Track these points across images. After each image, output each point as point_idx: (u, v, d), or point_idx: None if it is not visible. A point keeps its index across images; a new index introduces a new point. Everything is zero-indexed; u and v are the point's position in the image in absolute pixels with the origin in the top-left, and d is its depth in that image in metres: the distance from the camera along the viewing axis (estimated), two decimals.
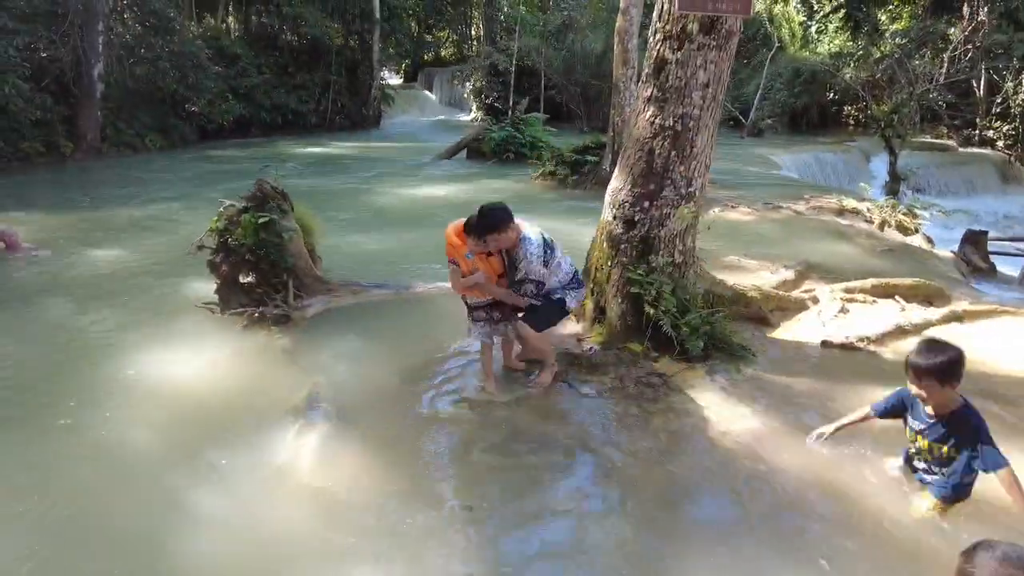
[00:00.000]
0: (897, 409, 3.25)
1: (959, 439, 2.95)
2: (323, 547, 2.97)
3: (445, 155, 16.07)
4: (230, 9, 24.13)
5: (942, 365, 2.86)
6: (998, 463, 2.84)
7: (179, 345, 5.04)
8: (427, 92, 31.06)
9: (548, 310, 4.15)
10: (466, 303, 4.33)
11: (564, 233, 8.55)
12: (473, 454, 3.59)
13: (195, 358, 4.81)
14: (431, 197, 11.47)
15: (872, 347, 4.88)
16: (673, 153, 4.53)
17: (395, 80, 30.89)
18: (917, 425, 3.11)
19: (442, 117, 27.97)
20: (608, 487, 3.37)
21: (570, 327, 4.99)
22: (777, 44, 23.90)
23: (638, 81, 11.52)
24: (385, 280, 6.31)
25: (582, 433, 3.81)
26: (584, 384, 4.28)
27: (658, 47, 4.51)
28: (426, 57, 34.16)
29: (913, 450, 3.20)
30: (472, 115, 26.58)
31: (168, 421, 3.99)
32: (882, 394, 3.42)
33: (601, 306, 4.82)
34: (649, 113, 4.57)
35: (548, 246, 3.99)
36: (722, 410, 4.01)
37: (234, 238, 5.41)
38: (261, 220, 5.37)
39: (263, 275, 5.61)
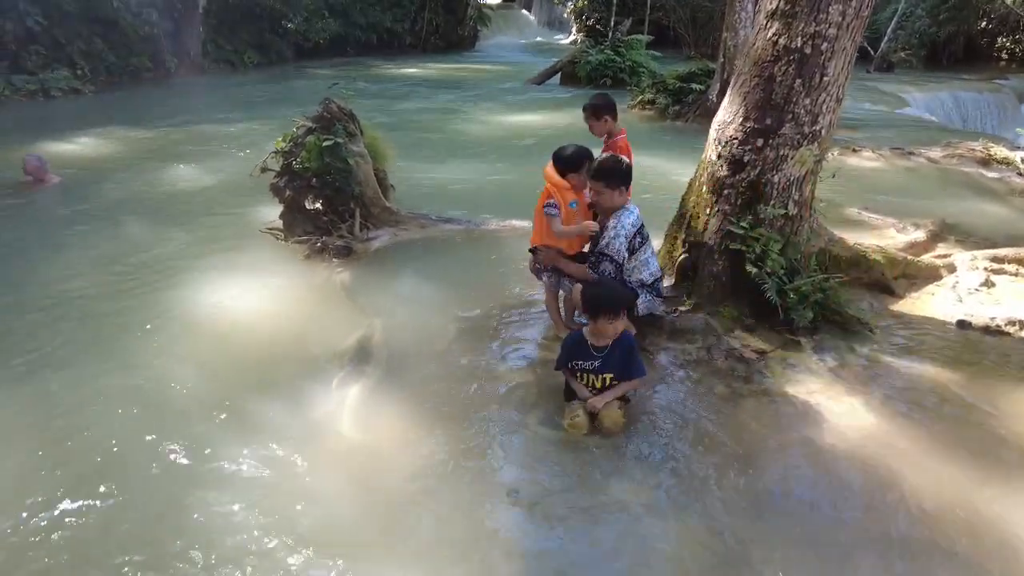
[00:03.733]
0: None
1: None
2: (352, 514, 2.67)
3: (536, 80, 15.20)
4: None
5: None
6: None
7: (239, 273, 4.85)
8: (525, 12, 29.68)
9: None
10: (532, 250, 3.82)
11: (659, 172, 7.79)
12: (527, 425, 3.16)
13: (252, 289, 4.60)
14: (516, 124, 10.82)
15: None
16: (798, 81, 3.72)
17: None
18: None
19: (540, 39, 26.72)
20: (677, 483, 2.85)
21: None
22: None
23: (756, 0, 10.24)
24: (457, 214, 5.87)
25: (653, 412, 3.29)
26: (663, 351, 3.72)
27: None
28: None
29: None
30: (572, 37, 25.18)
31: (215, 359, 3.79)
32: None
33: (693, 261, 4.17)
34: (772, 31, 3.75)
35: (642, 234, 3.52)
36: (829, 399, 3.36)
37: (298, 161, 5.09)
38: (326, 143, 5.01)
39: (329, 202, 5.31)
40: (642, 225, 3.53)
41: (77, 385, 3.54)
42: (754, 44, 3.88)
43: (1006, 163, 8.48)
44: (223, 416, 3.27)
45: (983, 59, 21.51)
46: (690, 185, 4.38)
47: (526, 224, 5.67)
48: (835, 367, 3.64)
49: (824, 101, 3.78)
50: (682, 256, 4.23)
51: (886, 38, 19.96)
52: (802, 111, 3.77)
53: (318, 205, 5.32)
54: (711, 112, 10.15)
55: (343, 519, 2.66)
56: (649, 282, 3.63)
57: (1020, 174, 8.14)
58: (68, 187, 7.07)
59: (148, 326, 4.14)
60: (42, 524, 2.62)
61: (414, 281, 4.68)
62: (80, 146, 9.12)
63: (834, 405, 3.32)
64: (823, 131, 3.87)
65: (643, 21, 17.51)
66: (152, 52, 15.59)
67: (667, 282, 4.32)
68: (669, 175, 7.62)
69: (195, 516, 2.66)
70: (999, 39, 21.68)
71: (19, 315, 4.30)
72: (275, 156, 5.24)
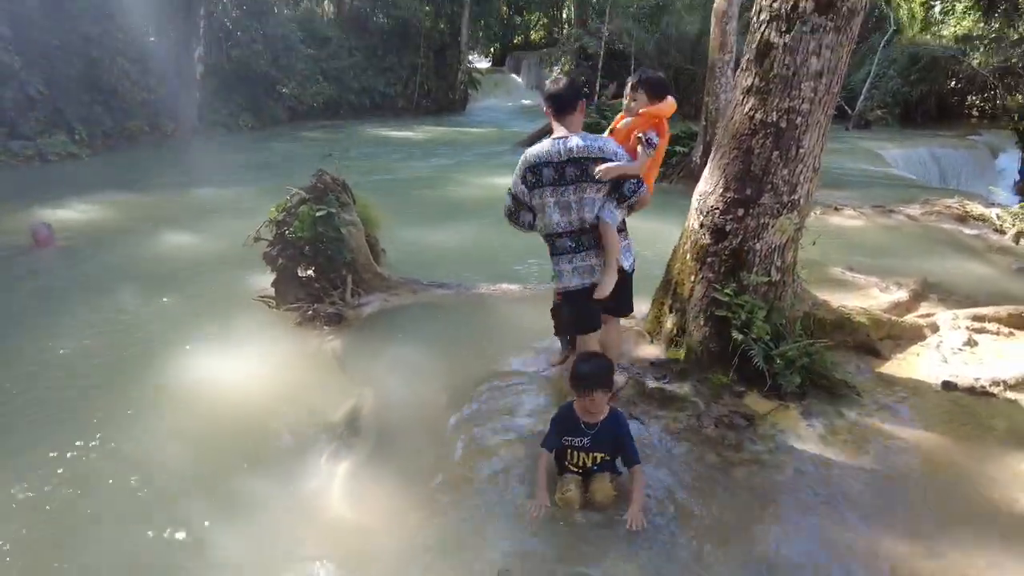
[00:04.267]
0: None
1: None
2: None
3: (526, 142, 15.57)
4: None
5: None
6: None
7: (230, 342, 4.87)
8: (514, 76, 30.62)
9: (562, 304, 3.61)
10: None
11: (647, 231, 7.93)
12: (518, 500, 3.14)
13: (244, 358, 4.62)
14: (506, 187, 11.03)
15: (1010, 394, 4.06)
16: (775, 154, 3.87)
17: (483, 64, 30.67)
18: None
19: (528, 102, 27.44)
20: (672, 557, 2.83)
21: (643, 348, 4.43)
22: (893, 27, 21.80)
23: (736, 68, 10.66)
24: (448, 278, 5.94)
25: (646, 484, 3.27)
26: (654, 420, 3.73)
27: (762, 29, 3.84)
28: (515, 41, 33.68)
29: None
30: None
31: (204, 432, 3.77)
32: None
33: (681, 327, 4.24)
34: (748, 106, 3.92)
35: (532, 169, 3.39)
36: (820, 465, 3.37)
37: (291, 231, 5.18)
38: (319, 213, 5.11)
39: (321, 269, 5.37)
40: (544, 163, 3.31)
41: (61, 461, 3.50)
42: (732, 118, 4.05)
43: (982, 219, 8.71)
44: (211, 493, 3.24)
45: (955, 116, 22.29)
46: (674, 252, 4.48)
47: (515, 287, 5.77)
48: (824, 433, 3.66)
49: (801, 171, 3.92)
50: (669, 322, 4.29)
51: (862, 97, 20.71)
52: (780, 182, 3.91)
53: (310, 272, 5.38)
54: (695, 174, 10.55)
55: None
56: (547, 232, 3.43)
57: (996, 230, 8.36)
58: (63, 253, 7.12)
59: (137, 397, 4.13)
60: None
61: (405, 348, 4.70)
62: (76, 212, 9.23)
63: (825, 472, 3.33)
64: (801, 200, 4.00)
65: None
66: (149, 116, 15.96)
67: (655, 349, 4.38)
68: (656, 236, 7.77)
69: None
70: (969, 97, 22.52)
71: (4, 385, 4.28)
72: (268, 225, 5.34)
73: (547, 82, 3.38)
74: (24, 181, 11.66)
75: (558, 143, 3.25)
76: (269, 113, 19.23)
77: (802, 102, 3.77)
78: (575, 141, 3.25)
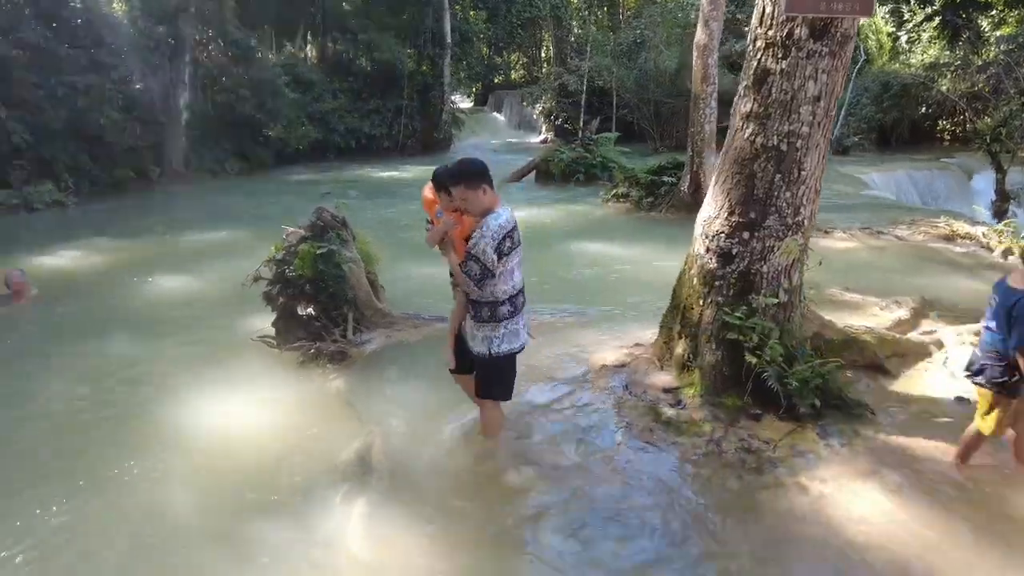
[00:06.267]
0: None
1: None
2: None
3: (512, 178, 15.72)
4: (308, 37, 24.83)
5: None
6: None
7: (232, 385, 4.77)
8: (496, 114, 31.05)
9: (490, 372, 3.52)
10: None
11: (643, 261, 8.00)
12: (540, 536, 3.06)
13: (247, 401, 4.52)
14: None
15: None
16: (778, 177, 3.91)
17: (465, 103, 31.08)
18: None
19: (512, 140, 27.80)
20: None
21: (654, 375, 4.40)
22: (864, 57, 22.50)
23: (718, 98, 10.90)
24: (448, 312, 5.88)
25: (671, 511, 3.22)
26: (673, 447, 3.68)
27: (759, 56, 3.93)
28: (496, 80, 34.25)
29: None
30: (542, 136, 26.31)
31: (209, 479, 3.66)
32: None
33: (692, 352, 4.21)
34: (749, 131, 3.98)
35: (511, 238, 3.27)
36: (842, 487, 3.33)
37: (292, 269, 5.13)
38: (320, 251, 5.07)
39: (322, 307, 5.31)
40: (513, 228, 3.30)
41: (62, 512, 3.37)
42: (733, 144, 4.10)
43: (969, 238, 8.86)
44: (221, 542, 3.13)
45: (928, 140, 22.86)
46: (680, 277, 4.48)
47: None
48: (843, 452, 3.63)
49: (804, 193, 3.96)
50: (679, 347, 4.27)
51: (839, 123, 21.21)
52: (784, 204, 3.95)
53: (311, 311, 5.31)
54: (684, 203, 10.69)
55: None
56: (503, 298, 3.35)
57: (984, 247, 8.50)
58: (53, 300, 7.00)
59: (137, 445, 4.01)
60: None
61: (410, 384, 4.63)
62: (64, 259, 9.12)
63: (848, 492, 3.29)
64: (805, 221, 4.03)
65: (610, 119, 18.45)
66: (136, 163, 15.89)
67: (667, 376, 4.34)
68: (651, 263, 7.82)
69: None
70: (940, 121, 23.13)
71: (1, 435, 4.14)
72: (268, 264, 5.28)
73: (465, 162, 3.37)
74: (9, 230, 11.52)
75: (507, 209, 3.38)
76: (256, 157, 19.24)
77: (801, 125, 3.83)
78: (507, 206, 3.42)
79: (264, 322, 5.46)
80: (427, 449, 3.79)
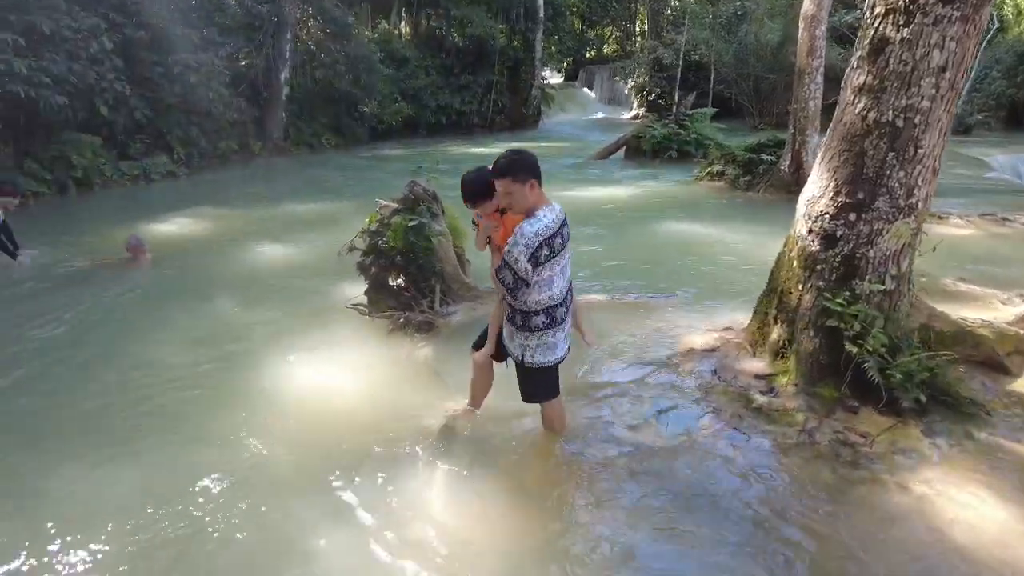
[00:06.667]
0: None
1: None
2: None
3: (601, 155, 15.49)
4: (403, 14, 25.22)
5: None
6: None
7: (325, 348, 4.98)
8: (587, 90, 30.59)
9: (525, 379, 3.31)
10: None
11: (737, 243, 7.71)
12: (619, 513, 3.04)
13: (339, 364, 4.71)
14: (585, 199, 10.96)
15: None
16: (891, 155, 3.64)
17: (556, 79, 30.76)
18: None
19: (601, 115, 27.37)
20: None
21: (745, 361, 4.25)
22: (996, 25, 20.50)
23: (825, 73, 10.24)
24: None
25: (756, 499, 3.11)
26: (762, 436, 3.55)
27: (877, 24, 3.64)
28: (588, 54, 33.67)
29: None
30: (633, 112, 25.73)
31: (302, 435, 3.85)
32: None
33: (787, 338, 4.03)
34: (861, 105, 3.71)
35: (549, 245, 2.92)
36: (950, 488, 3.11)
37: (384, 241, 5.27)
38: (411, 223, 5.19)
39: (412, 279, 5.44)
40: (555, 233, 2.93)
41: (170, 458, 3.65)
42: (842, 119, 3.85)
43: None
44: (312, 495, 3.29)
45: None
46: (779, 260, 4.28)
47: (602, 298, 5.68)
48: (950, 452, 3.39)
49: (920, 173, 3.67)
50: (775, 333, 4.10)
51: (961, 100, 19.50)
52: (896, 184, 3.68)
53: (400, 281, 5.46)
54: (784, 183, 10.20)
55: None
56: (537, 309, 3.06)
57: None
58: (164, 265, 7.52)
59: (236, 401, 4.26)
60: None
61: None
62: (176, 226, 9.76)
63: (956, 495, 3.07)
64: (919, 204, 3.75)
65: (706, 94, 17.76)
66: (239, 137, 16.78)
67: (759, 362, 4.18)
68: (746, 245, 7.53)
69: None
70: None
71: (115, 389, 4.50)
72: (362, 235, 5.46)
73: (516, 153, 3.00)
74: (130, 199, 12.47)
75: (553, 209, 3.01)
76: (351, 132, 19.88)
77: (921, 99, 3.54)
78: (556, 204, 3.07)
79: (357, 290, 5.66)
80: (511, 423, 3.83)
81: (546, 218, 2.92)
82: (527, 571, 2.75)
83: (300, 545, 2.95)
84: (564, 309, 3.14)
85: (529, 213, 2.94)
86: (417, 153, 17.10)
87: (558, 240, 2.95)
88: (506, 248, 2.93)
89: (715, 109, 16.34)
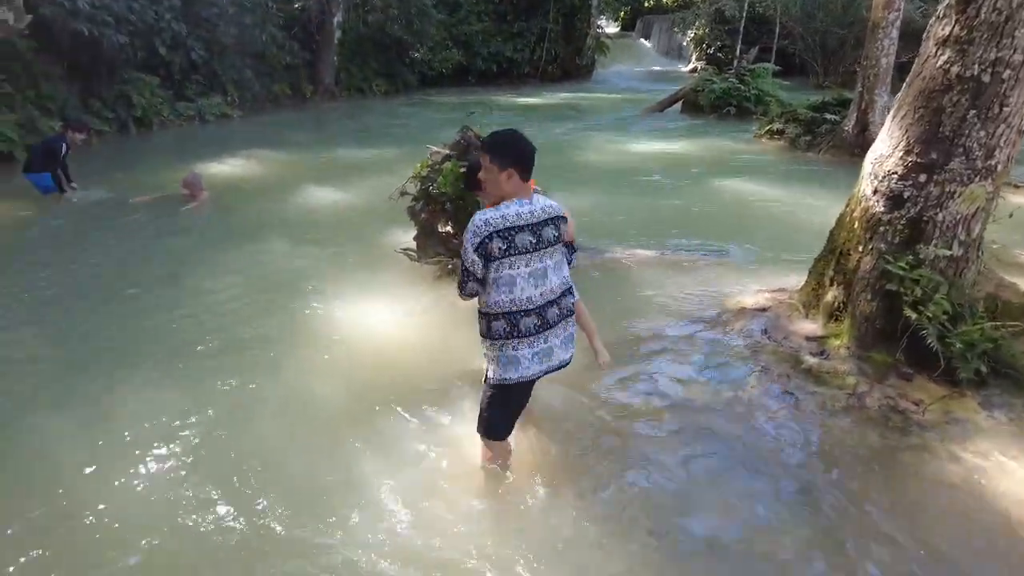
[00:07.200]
0: None
1: None
2: (485, 547, 2.67)
3: (657, 108, 15.07)
4: None
5: None
6: None
7: (375, 291, 5.07)
8: (644, 41, 29.62)
9: (483, 397, 2.82)
10: None
11: (793, 203, 7.47)
12: (662, 465, 3.06)
13: (388, 306, 4.80)
14: (639, 153, 10.74)
15: None
16: (972, 113, 3.44)
17: (612, 28, 29.82)
18: None
19: (657, 68, 26.53)
20: (827, 539, 2.65)
21: (796, 322, 4.17)
22: None
23: (900, 27, 9.64)
24: (580, 241, 5.85)
25: (800, 457, 3.10)
26: (810, 396, 3.50)
27: None
28: (647, 3, 32.46)
29: None
30: (691, 65, 24.86)
31: (352, 374, 3.96)
32: None
33: (843, 300, 3.93)
34: (944, 58, 3.50)
35: (506, 238, 2.50)
36: (1005, 463, 3.03)
37: (435, 186, 5.28)
38: (463, 169, 5.16)
39: (461, 225, 5.44)
40: (519, 229, 2.51)
41: (229, 391, 3.80)
42: (919, 73, 3.64)
43: None
44: (363, 430, 3.39)
45: None
46: (840, 220, 4.14)
47: (651, 253, 5.61)
48: (1009, 427, 3.28)
49: (1002, 133, 3.46)
50: (830, 295, 3.99)
51: None
52: (975, 144, 3.48)
53: (449, 228, 5.48)
54: (847, 144, 9.77)
55: (474, 536, 2.68)
56: (497, 312, 2.63)
57: None
58: (218, 204, 7.71)
59: (289, 338, 4.39)
60: (194, 521, 2.80)
61: None
62: (230, 167, 9.96)
63: (1011, 468, 2.99)
64: (999, 166, 3.55)
65: (769, 49, 16.99)
66: (292, 80, 16.87)
67: (812, 324, 4.09)
68: (802, 206, 7.29)
69: (331, 520, 2.77)
70: None
71: (172, 324, 4.66)
72: (413, 180, 5.47)
73: (508, 134, 2.60)
74: (186, 139, 12.74)
75: (525, 204, 2.58)
76: (401, 78, 19.78)
77: (1014, 52, 3.31)
78: (544, 199, 2.65)
79: (406, 236, 5.71)
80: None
81: (508, 209, 2.52)
82: (568, 511, 2.80)
83: (347, 474, 3.07)
84: (533, 322, 2.64)
85: (497, 202, 2.57)
86: (467, 101, 16.93)
87: (525, 238, 2.52)
88: None
89: (777, 66, 15.60)
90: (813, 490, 2.94)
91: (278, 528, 2.75)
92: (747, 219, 6.98)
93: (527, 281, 2.59)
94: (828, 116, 10.31)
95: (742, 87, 13.81)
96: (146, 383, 3.85)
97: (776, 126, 10.98)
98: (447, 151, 5.40)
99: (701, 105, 14.09)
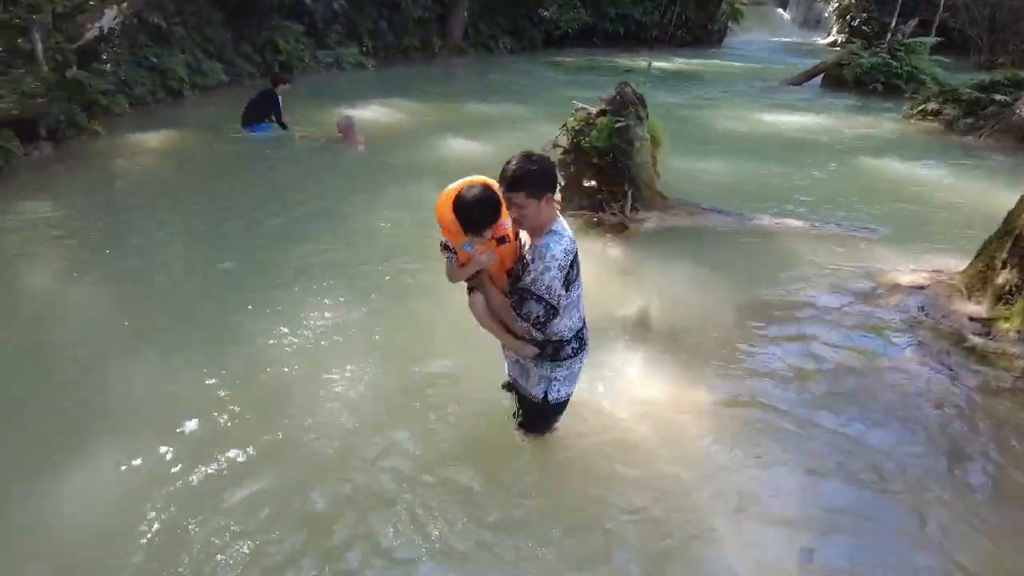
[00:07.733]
0: None
1: None
2: (642, 464, 2.88)
3: (796, 80, 14.37)
4: None
5: None
6: None
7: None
8: (780, 10, 28.05)
9: (538, 416, 2.83)
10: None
11: (949, 188, 7.06)
12: (811, 428, 3.13)
13: None
14: (777, 125, 10.37)
15: None
16: None
17: None
18: None
19: (793, 39, 25.12)
20: (978, 522, 2.67)
21: (957, 302, 4.05)
22: None
23: None
24: (723, 206, 5.85)
25: (954, 435, 3.09)
26: (971, 375, 3.44)
27: None
28: None
29: None
30: (831, 38, 23.35)
31: None
32: None
33: (1017, 284, 3.78)
34: None
35: (575, 260, 2.44)
36: None
37: (587, 140, 5.42)
38: (618, 124, 5.28)
39: (605, 180, 5.59)
40: (573, 240, 2.44)
41: (351, 312, 4.11)
42: None
43: None
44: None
45: None
46: (1020, 202, 3.96)
47: (801, 224, 5.54)
48: None
49: None
50: (1002, 277, 3.85)
51: None
52: None
53: (594, 183, 5.63)
54: (1016, 129, 8.96)
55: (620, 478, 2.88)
56: (568, 336, 2.59)
57: None
58: (365, 145, 8.18)
59: (431, 283, 4.60)
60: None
61: (686, 265, 4.79)
62: (371, 112, 10.48)
63: None
64: None
65: (928, 23, 15.65)
66: (423, 34, 17.30)
67: (975, 306, 3.97)
68: (960, 191, 6.89)
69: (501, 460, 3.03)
70: None
71: (329, 255, 4.98)
72: (566, 133, 5.64)
73: (531, 162, 2.36)
74: (327, 85, 13.43)
75: (561, 219, 2.46)
76: (527, 37, 19.81)
77: None
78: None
79: None
80: (702, 323, 3.98)
81: (566, 231, 2.43)
82: (713, 457, 2.95)
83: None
84: (574, 344, 2.63)
85: (542, 229, 2.41)
86: (594, 62, 16.80)
87: (576, 262, 2.46)
88: (530, 277, 2.37)
89: (938, 39, 14.32)
90: (966, 467, 2.94)
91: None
92: (898, 199, 6.67)
93: (577, 304, 2.56)
94: (997, 97, 9.50)
95: (893, 63, 12.90)
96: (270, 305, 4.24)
97: (931, 106, 10.25)
98: (603, 106, 5.50)
99: (845, 80, 13.30)
